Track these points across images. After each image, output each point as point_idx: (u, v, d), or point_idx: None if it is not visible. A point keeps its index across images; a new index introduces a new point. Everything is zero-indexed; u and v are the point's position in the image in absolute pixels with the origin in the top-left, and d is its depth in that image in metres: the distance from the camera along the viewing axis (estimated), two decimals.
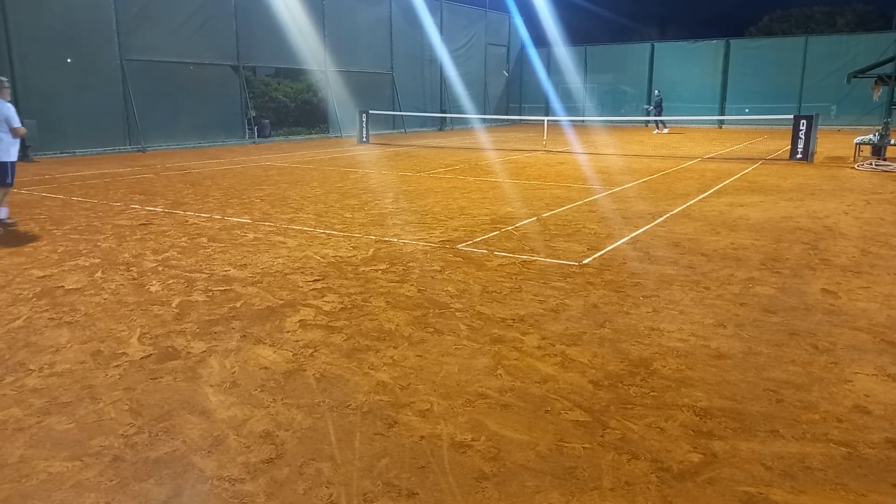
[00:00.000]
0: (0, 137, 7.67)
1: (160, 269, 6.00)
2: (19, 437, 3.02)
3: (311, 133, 24.88)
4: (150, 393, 3.48)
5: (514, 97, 36.15)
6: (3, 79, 7.87)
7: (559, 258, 6.29)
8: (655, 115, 26.18)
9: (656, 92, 27.72)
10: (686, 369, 3.75)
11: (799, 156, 14.99)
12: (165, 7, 18.91)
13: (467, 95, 30.87)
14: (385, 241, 7.09)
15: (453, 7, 30.39)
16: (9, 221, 7.93)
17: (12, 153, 7.84)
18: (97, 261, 6.31)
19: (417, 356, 3.96)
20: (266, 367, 3.80)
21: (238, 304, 4.95)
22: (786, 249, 6.61)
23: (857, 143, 14.57)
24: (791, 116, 15.64)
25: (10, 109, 7.71)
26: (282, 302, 5.00)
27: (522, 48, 36.18)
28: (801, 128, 14.94)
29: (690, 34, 34.86)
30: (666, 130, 26.26)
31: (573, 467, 2.77)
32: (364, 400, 3.39)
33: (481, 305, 4.89)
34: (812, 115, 14.96)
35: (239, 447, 2.94)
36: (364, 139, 21.39)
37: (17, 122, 7.70)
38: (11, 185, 7.88)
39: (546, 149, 18.79)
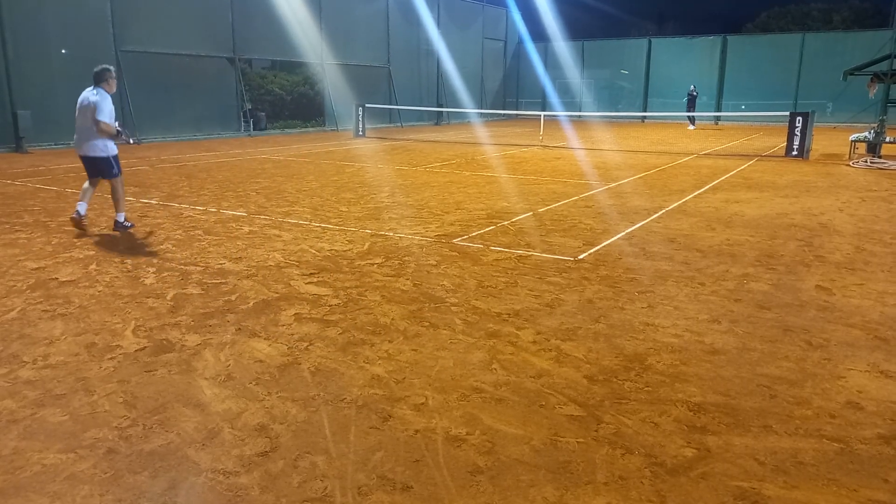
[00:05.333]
0: (93, 129, 6.92)
1: (155, 261, 5.98)
2: (13, 429, 3.01)
3: (307, 126, 24.78)
4: (145, 385, 3.47)
5: (510, 92, 36.09)
6: (110, 67, 7.03)
7: (555, 253, 6.30)
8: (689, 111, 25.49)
9: (692, 87, 26.33)
10: (680, 365, 3.76)
11: (794, 153, 15.03)
12: None
13: (464, 89, 30.81)
14: (381, 235, 7.08)
15: (450, 1, 30.29)
16: (127, 224, 7.29)
17: (99, 148, 7.03)
18: (91, 253, 6.28)
19: (412, 350, 3.96)
20: (261, 361, 3.80)
21: (233, 298, 4.94)
22: (780, 246, 6.63)
23: (852, 141, 14.60)
24: (787, 113, 15.68)
25: (97, 99, 6.83)
26: (277, 295, 4.99)
27: (520, 42, 36.12)
28: (797, 125, 14.99)
29: (688, 30, 34.90)
30: (692, 127, 25.82)
31: (567, 461, 2.78)
32: (359, 394, 3.39)
33: (477, 300, 4.89)
34: (808, 112, 15.01)
35: (233, 440, 2.93)
36: (360, 133, 21.33)
37: (103, 115, 6.84)
38: (115, 175, 7.16)
39: (543, 144, 18.78)
